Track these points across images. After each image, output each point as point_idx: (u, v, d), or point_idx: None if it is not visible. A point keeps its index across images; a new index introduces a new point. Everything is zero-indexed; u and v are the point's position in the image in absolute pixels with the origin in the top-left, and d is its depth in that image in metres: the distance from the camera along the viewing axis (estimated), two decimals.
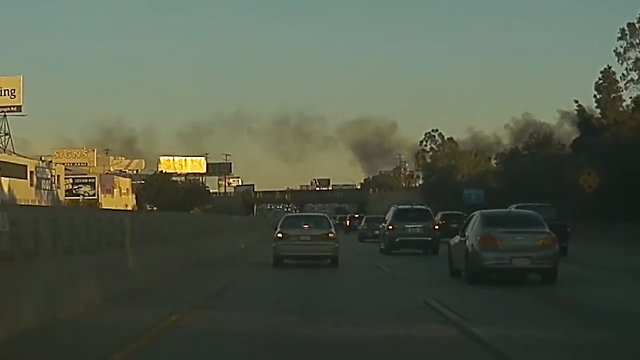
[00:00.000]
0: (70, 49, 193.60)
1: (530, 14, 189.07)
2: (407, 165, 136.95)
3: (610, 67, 68.47)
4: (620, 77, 67.81)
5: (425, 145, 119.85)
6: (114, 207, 67.47)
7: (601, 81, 68.89)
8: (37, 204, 69.36)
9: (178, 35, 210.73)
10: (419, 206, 44.32)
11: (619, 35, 65.29)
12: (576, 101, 69.12)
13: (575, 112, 69.71)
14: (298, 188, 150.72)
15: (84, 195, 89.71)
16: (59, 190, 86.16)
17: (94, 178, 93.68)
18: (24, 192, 72.98)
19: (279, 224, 27.23)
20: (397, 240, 34.13)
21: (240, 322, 12.89)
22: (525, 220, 19.91)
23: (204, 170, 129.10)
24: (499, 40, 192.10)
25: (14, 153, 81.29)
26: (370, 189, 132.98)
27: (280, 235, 26.07)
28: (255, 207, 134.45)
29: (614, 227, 46.30)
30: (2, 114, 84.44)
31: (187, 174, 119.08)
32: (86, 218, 14.77)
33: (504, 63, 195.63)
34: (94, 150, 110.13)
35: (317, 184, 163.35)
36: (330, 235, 25.95)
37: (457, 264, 20.30)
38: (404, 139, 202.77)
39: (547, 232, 19.05)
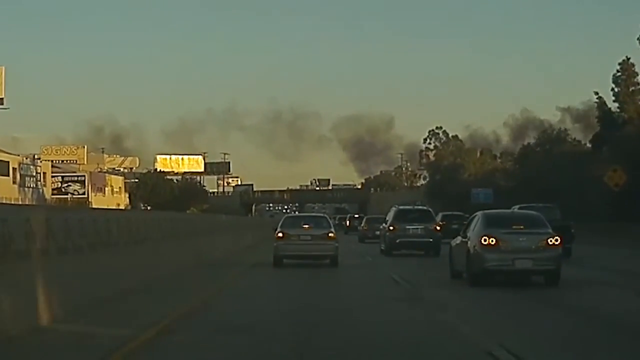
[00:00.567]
0: (62, 46, 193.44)
1: (525, 11, 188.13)
2: (409, 164, 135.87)
3: (629, 59, 64.87)
4: None
5: (429, 144, 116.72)
6: (104, 207, 65.56)
7: (619, 73, 65.09)
8: (19, 202, 66.68)
9: (168, 31, 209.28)
10: (420, 207, 44.29)
11: None
12: (596, 93, 65.30)
13: (595, 104, 65.77)
14: (297, 188, 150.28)
15: (73, 194, 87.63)
16: (44, 189, 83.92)
17: (84, 176, 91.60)
18: (5, 190, 69.97)
19: (279, 223, 27.65)
20: (397, 241, 34.09)
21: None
22: (528, 220, 19.82)
23: (202, 169, 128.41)
24: (494, 37, 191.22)
25: None
26: (372, 189, 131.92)
27: (280, 234, 26.42)
28: (253, 207, 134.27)
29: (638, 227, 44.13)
30: None
31: (184, 172, 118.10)
32: (64, 217, 13.87)
33: (499, 60, 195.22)
34: (84, 147, 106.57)
35: (317, 183, 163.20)
36: (330, 235, 26.28)
37: (459, 266, 20.21)
38: (399, 136, 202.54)
39: (550, 233, 18.94)
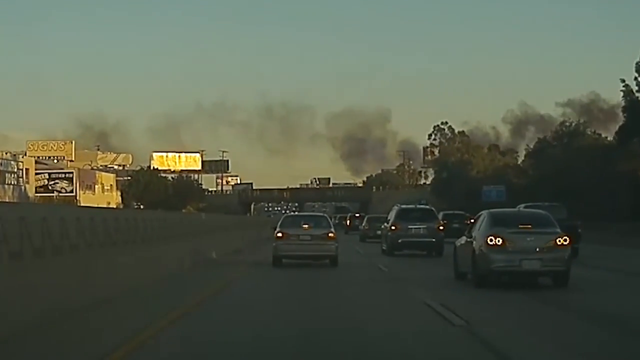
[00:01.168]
0: (51, 43, 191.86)
1: (520, 6, 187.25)
2: (411, 162, 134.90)
3: None
4: None
5: (434, 139, 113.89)
6: (94, 205, 64.21)
7: None
8: None
9: (157, 26, 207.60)
10: (422, 206, 43.98)
11: None
12: (623, 80, 61.45)
13: (622, 93, 61.66)
14: (298, 186, 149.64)
15: (60, 192, 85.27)
16: (27, 186, 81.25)
17: (72, 173, 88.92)
18: None
19: (279, 223, 27.63)
20: (400, 241, 33.77)
21: None
22: (536, 220, 19.43)
23: (199, 167, 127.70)
24: (491, 31, 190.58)
25: None
26: (373, 188, 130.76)
27: (279, 234, 26.42)
28: (252, 206, 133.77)
29: None
30: None
31: (182, 170, 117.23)
32: (43, 216, 12.65)
33: (494, 54, 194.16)
34: (72, 143, 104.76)
35: (317, 182, 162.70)
36: (330, 235, 26.26)
37: (464, 267, 19.87)
38: (394, 132, 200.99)
39: (559, 233, 18.59)
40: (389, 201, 71.67)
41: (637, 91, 61.12)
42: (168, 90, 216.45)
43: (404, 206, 37.49)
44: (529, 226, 18.71)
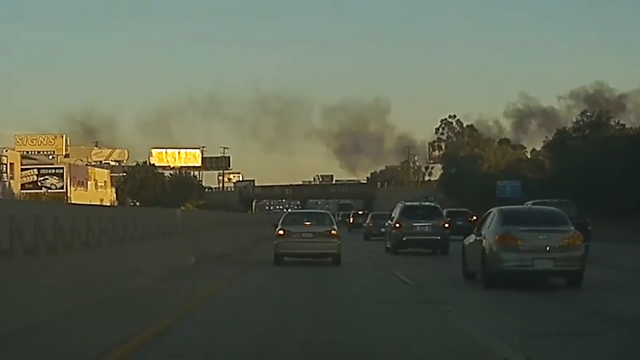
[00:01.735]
0: (39, 38, 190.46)
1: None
2: (416, 157, 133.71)
3: None
4: None
5: (442, 134, 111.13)
6: (87, 202, 62.16)
7: None
8: None
9: (147, 19, 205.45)
10: (427, 202, 43.67)
11: None
12: None
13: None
14: (300, 183, 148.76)
15: (50, 188, 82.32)
16: (12, 182, 78.16)
17: (62, 168, 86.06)
18: None
19: (280, 220, 27.40)
20: (404, 239, 33.40)
21: None
22: (548, 217, 18.85)
23: (199, 164, 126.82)
24: (487, 26, 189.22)
25: None
26: (378, 184, 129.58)
27: (281, 232, 26.19)
28: (254, 204, 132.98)
29: None
30: None
31: (181, 167, 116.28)
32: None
33: (492, 47, 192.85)
34: (62, 137, 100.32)
35: (320, 179, 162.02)
36: (332, 232, 26.02)
37: (473, 266, 19.30)
38: (391, 127, 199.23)
39: (572, 231, 18.07)
40: (394, 198, 69.81)
41: None
42: (159, 83, 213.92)
43: (408, 203, 37.22)
44: (541, 224, 18.13)
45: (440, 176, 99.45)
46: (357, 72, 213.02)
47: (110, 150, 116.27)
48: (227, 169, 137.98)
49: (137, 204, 79.86)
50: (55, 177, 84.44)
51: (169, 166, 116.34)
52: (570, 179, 55.77)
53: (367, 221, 53.72)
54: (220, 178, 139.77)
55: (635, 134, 62.50)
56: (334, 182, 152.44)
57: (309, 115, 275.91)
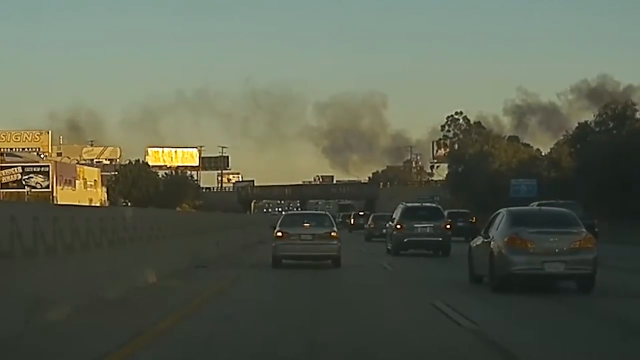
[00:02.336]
0: (22, 34, 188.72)
1: None
2: (419, 157, 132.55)
3: None
4: None
5: (448, 131, 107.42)
6: (75, 202, 59.76)
7: None
8: None
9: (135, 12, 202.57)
10: (428, 203, 43.65)
11: None
12: None
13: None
14: (300, 183, 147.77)
15: (34, 187, 79.49)
16: None
17: (48, 166, 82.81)
18: None
19: (278, 221, 27.01)
20: (405, 240, 33.27)
21: None
22: (559, 218, 18.24)
23: (197, 163, 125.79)
24: (482, 19, 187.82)
25: None
26: (380, 184, 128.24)
27: (279, 234, 25.72)
28: (253, 204, 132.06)
29: None
30: None
31: (178, 167, 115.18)
32: None
33: (488, 44, 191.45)
34: (48, 133, 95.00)
35: (321, 179, 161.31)
36: (332, 234, 25.55)
37: (480, 269, 18.68)
38: (384, 124, 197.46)
39: (584, 233, 17.47)
40: (397, 198, 67.80)
41: None
42: (147, 79, 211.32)
43: (409, 204, 37.13)
44: (552, 226, 17.50)
45: (446, 175, 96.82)
46: (351, 68, 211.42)
47: (102, 148, 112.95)
48: (226, 169, 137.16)
49: (129, 204, 78.12)
50: (40, 175, 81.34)
51: (166, 165, 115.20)
52: (592, 176, 52.83)
53: (369, 222, 53.42)
54: (220, 178, 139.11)
55: None
56: (334, 182, 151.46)
57: (303, 112, 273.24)
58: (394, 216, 35.29)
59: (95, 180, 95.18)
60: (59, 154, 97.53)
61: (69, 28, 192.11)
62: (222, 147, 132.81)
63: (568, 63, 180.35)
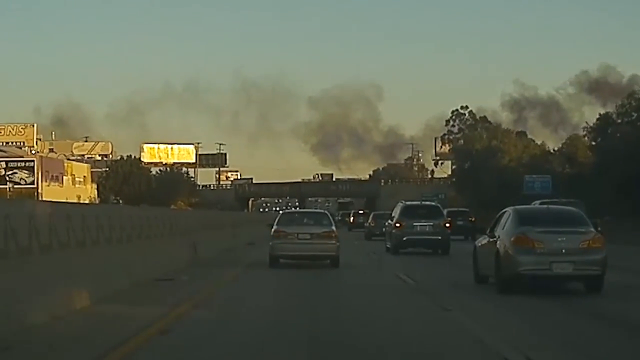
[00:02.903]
0: (11, 27, 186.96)
1: None
2: (420, 154, 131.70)
3: None
4: None
5: (452, 126, 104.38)
6: (62, 199, 56.83)
7: None
8: None
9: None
10: (427, 202, 43.80)
11: None
12: None
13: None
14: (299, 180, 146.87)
15: (19, 183, 76.48)
16: None
17: (33, 161, 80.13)
18: None
19: (276, 220, 26.64)
20: (405, 239, 33.24)
21: None
22: (567, 217, 17.80)
23: (193, 160, 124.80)
24: (479, 14, 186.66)
25: None
26: (382, 181, 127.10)
27: (276, 232, 25.42)
28: (250, 202, 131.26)
29: None
30: None
31: (174, 163, 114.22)
32: None
33: (484, 37, 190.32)
34: (33, 126, 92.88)
35: (320, 177, 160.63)
36: (331, 233, 25.17)
37: (485, 270, 18.24)
38: (376, 120, 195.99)
39: (593, 232, 17.08)
40: (399, 196, 65.67)
41: None
42: (135, 72, 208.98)
43: (408, 202, 37.23)
44: (560, 225, 17.02)
45: (452, 171, 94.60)
46: (343, 62, 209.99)
47: (93, 143, 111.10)
48: (224, 167, 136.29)
49: (120, 201, 76.84)
50: (25, 171, 78.43)
51: (161, 162, 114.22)
52: (614, 171, 49.15)
53: (369, 221, 53.18)
54: (217, 176, 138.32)
55: None
56: (334, 179, 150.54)
57: (297, 107, 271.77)
58: (393, 214, 35.28)
59: (84, 176, 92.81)
60: (51, 150, 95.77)
61: (53, 21, 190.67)
62: (220, 144, 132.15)
63: (566, 54, 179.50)
